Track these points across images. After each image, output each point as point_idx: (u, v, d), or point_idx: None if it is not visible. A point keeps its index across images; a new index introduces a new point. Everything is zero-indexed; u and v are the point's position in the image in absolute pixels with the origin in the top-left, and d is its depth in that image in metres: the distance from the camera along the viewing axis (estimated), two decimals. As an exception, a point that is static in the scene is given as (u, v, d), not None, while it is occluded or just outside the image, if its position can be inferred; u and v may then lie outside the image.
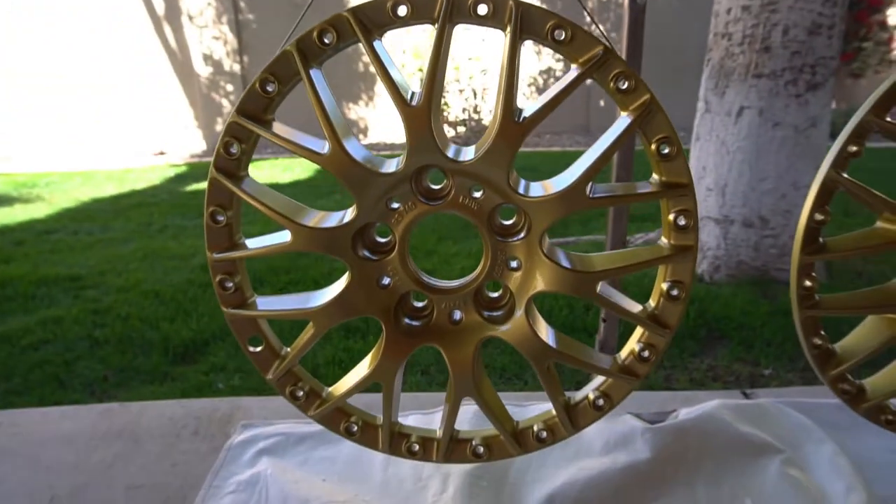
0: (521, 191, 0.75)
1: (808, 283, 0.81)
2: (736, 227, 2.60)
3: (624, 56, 1.23)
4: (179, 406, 1.50)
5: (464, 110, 7.85)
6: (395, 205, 0.78)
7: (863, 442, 1.28)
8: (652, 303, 0.81)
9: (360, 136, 8.13)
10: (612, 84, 0.72)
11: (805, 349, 0.85)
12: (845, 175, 0.77)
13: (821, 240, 0.80)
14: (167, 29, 7.35)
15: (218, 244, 0.79)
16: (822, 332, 0.85)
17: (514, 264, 0.79)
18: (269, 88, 0.73)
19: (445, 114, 7.83)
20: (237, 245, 0.80)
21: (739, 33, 2.59)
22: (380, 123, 8.11)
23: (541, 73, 8.09)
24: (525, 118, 0.72)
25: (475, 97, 7.80)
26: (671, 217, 0.76)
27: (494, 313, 0.81)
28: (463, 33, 7.60)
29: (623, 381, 0.84)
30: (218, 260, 0.79)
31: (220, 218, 0.78)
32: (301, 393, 0.86)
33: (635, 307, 0.81)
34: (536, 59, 7.99)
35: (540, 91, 8.15)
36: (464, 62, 7.67)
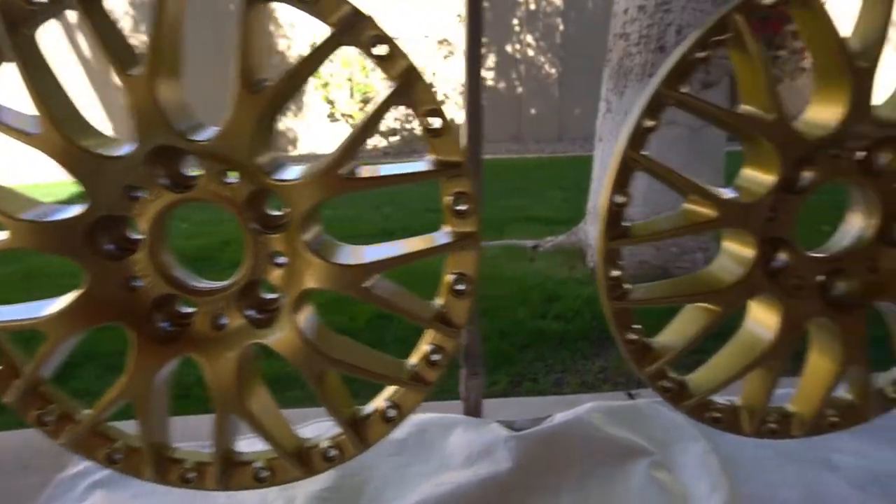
0: (276, 175, 0.66)
1: (614, 272, 0.75)
2: (637, 227, 2.58)
3: (465, 33, 1.16)
4: (10, 437, 1.35)
5: (395, 119, 7.77)
6: (139, 194, 0.67)
7: (735, 438, 1.25)
8: (440, 300, 0.73)
9: (289, 148, 7.94)
10: (369, 49, 0.63)
11: (619, 344, 0.79)
12: (644, 153, 0.71)
13: (625, 223, 0.74)
14: (80, 38, 7.02)
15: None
16: (636, 326, 0.78)
17: (280, 260, 0.69)
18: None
19: (377, 123, 7.72)
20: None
21: (636, 33, 2.59)
22: (310, 134, 7.94)
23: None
24: (266, 87, 0.62)
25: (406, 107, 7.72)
26: (448, 200, 0.67)
27: (259, 316, 0.71)
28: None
29: (413, 389, 0.75)
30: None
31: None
32: (50, 417, 0.74)
33: (422, 306, 0.72)
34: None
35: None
36: (393, 71, 7.60)
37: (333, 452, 0.76)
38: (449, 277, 0.71)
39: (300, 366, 0.70)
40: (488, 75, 7.99)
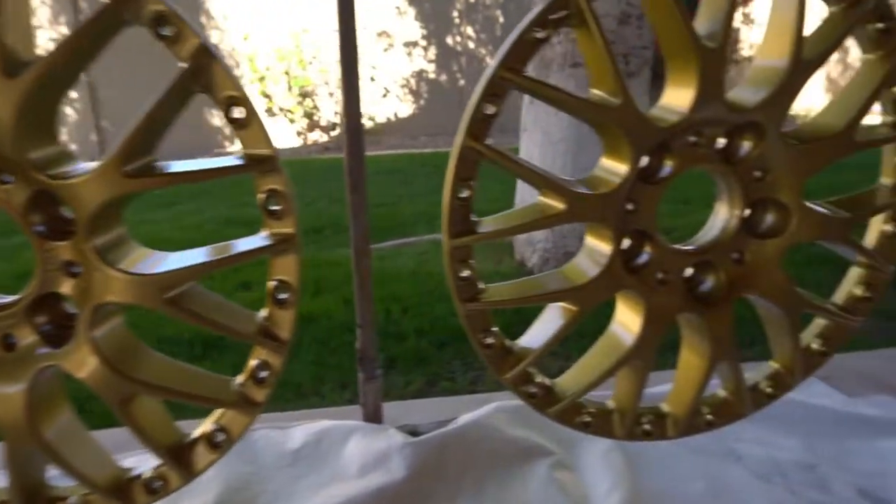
0: (56, 172, 0.57)
1: (464, 272, 0.69)
2: (562, 219, 2.55)
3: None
4: None
5: (335, 114, 7.61)
6: None
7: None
8: (263, 311, 0.65)
9: (226, 145, 7.70)
10: (154, 28, 0.55)
11: (476, 349, 0.73)
12: (489, 143, 0.65)
13: (473, 218, 0.68)
14: (-6, 29, 6.63)
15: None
16: (494, 328, 0.72)
17: (74, 269, 0.60)
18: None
19: (316, 118, 7.57)
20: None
21: (555, 23, 2.55)
22: (247, 129, 7.69)
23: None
24: (28, 69, 0.53)
25: (346, 100, 7.57)
26: (261, 198, 0.60)
27: (54, 332, 0.62)
28: (335, 37, 7.35)
29: (241, 411, 0.67)
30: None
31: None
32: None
33: (243, 320, 0.64)
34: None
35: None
36: (332, 65, 7.45)
37: (157, 484, 0.68)
38: (270, 285, 0.63)
39: (100, 390, 0.62)
40: (429, 68, 7.91)
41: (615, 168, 0.69)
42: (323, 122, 7.63)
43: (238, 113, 0.56)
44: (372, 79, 7.66)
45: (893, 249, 0.80)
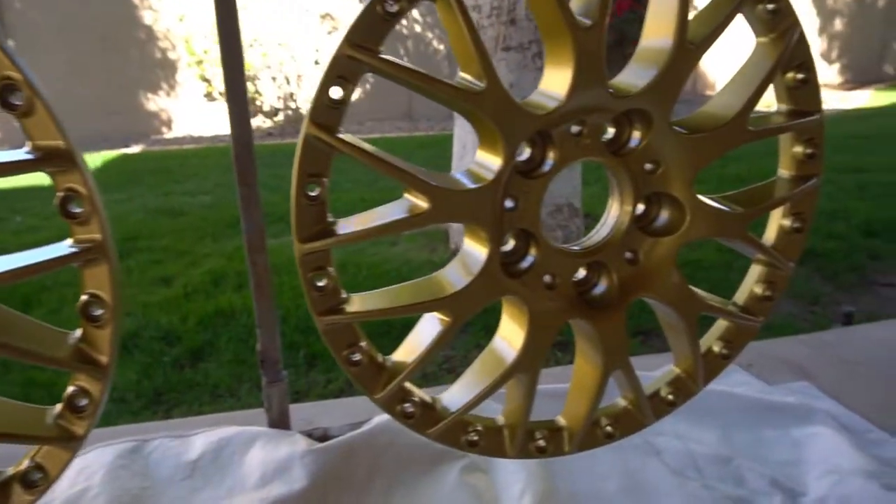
0: None
1: (321, 281, 0.61)
2: (496, 207, 2.50)
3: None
4: None
5: (279, 98, 7.38)
6: None
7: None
8: (77, 331, 0.56)
9: (164, 130, 7.39)
10: None
11: (342, 367, 0.66)
12: (342, 133, 0.57)
13: (329, 218, 0.60)
14: None
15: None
16: (363, 347, 0.65)
17: None
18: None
19: (259, 103, 7.32)
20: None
21: (487, 5, 2.48)
22: (185, 115, 7.41)
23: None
24: None
25: (289, 84, 7.36)
26: (59, 198, 0.50)
27: None
28: (276, 19, 7.11)
29: (58, 446, 0.58)
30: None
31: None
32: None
33: (51, 342, 0.55)
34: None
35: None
36: (273, 48, 7.21)
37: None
38: (82, 300, 0.54)
39: None
40: (375, 51, 7.74)
41: (489, 162, 0.61)
42: (265, 108, 7.39)
43: (17, 98, 0.46)
44: (316, 62, 7.44)
45: (793, 245, 0.75)
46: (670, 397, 0.79)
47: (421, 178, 0.58)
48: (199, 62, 7.20)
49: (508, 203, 0.64)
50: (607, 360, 0.70)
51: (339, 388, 1.74)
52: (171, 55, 7.19)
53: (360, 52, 0.54)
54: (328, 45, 7.42)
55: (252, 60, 7.13)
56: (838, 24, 10.07)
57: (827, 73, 10.25)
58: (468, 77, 0.58)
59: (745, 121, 0.66)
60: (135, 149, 6.44)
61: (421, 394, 0.71)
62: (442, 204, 0.59)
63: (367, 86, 7.82)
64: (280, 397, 1.26)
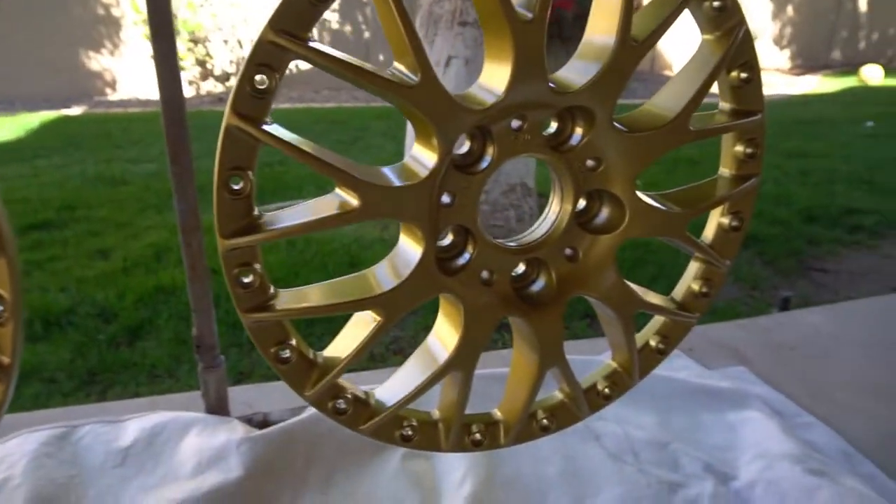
0: None
1: (248, 277, 0.58)
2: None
3: None
4: None
5: (231, 62, 7.12)
6: None
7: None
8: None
9: (108, 91, 7.06)
10: None
11: (270, 364, 0.63)
12: (268, 124, 0.53)
13: (256, 212, 0.57)
14: None
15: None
16: (292, 344, 0.62)
17: None
18: None
19: (209, 66, 7.05)
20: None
21: (445, -23, 2.42)
22: (130, 76, 7.09)
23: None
24: None
25: (241, 48, 7.10)
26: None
27: None
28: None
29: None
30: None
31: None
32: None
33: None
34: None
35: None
36: (223, 9, 6.92)
37: None
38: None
39: None
40: (332, 18, 7.53)
41: (424, 157, 0.59)
42: (217, 72, 7.13)
43: None
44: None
45: (731, 243, 0.76)
46: (606, 391, 0.79)
47: (351, 174, 0.55)
48: (146, 21, 6.87)
49: (445, 198, 0.62)
50: (543, 356, 0.70)
51: (283, 369, 1.71)
52: (115, 12, 6.83)
53: (284, 38, 0.51)
54: (283, 9, 7.16)
55: (203, 21, 6.84)
56: (790, 11, 10.29)
57: (778, 57, 10.50)
58: (402, 68, 0.55)
59: (687, 121, 0.65)
60: (76, 110, 6.13)
61: (354, 389, 0.69)
62: (373, 201, 0.56)
63: (324, 52, 7.61)
64: (217, 383, 1.23)
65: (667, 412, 1.40)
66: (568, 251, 0.70)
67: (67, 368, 1.65)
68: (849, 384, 1.55)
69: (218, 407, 1.25)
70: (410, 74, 0.54)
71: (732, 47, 0.65)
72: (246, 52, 7.16)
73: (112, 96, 7.00)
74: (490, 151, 0.62)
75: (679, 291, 0.79)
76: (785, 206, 2.95)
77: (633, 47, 0.60)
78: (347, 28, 7.61)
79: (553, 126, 0.65)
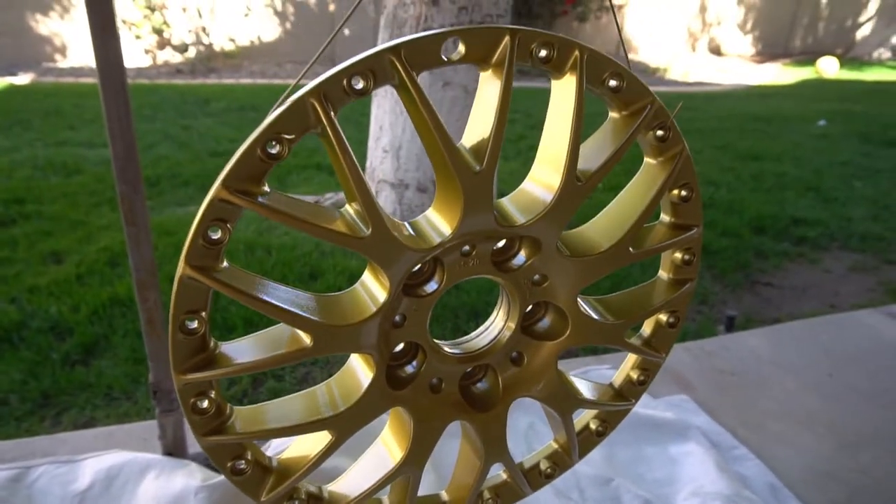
0: None
1: (203, 404, 0.60)
2: (410, 191, 2.49)
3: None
4: None
5: (189, 31, 6.88)
6: None
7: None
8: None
9: (57, 58, 6.76)
10: None
11: (227, 477, 0.65)
12: (221, 276, 0.54)
13: (212, 344, 0.58)
14: None
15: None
16: (248, 456, 0.65)
17: None
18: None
19: (167, 35, 6.80)
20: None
21: (410, -19, 2.38)
22: (81, 41, 6.78)
23: None
24: None
25: (200, 17, 6.86)
26: None
27: None
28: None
29: None
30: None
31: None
32: None
33: None
34: None
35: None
36: (183, -25, 6.65)
37: None
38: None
39: None
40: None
41: (375, 290, 0.61)
42: (175, 41, 6.88)
43: None
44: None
45: (667, 338, 0.80)
46: (548, 471, 0.84)
47: (303, 317, 0.57)
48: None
49: (396, 318, 0.64)
50: (488, 454, 0.74)
51: (241, 391, 1.72)
52: (65, -26, 6.50)
53: (237, 196, 0.52)
54: None
55: (160, -12, 6.57)
56: (755, -3, 10.40)
57: (741, 43, 10.65)
58: (352, 212, 0.57)
59: (627, 245, 0.68)
60: (23, 78, 5.86)
61: (308, 487, 0.72)
62: (325, 339, 0.58)
63: (288, 24, 7.42)
64: (174, 426, 1.24)
65: (613, 445, 1.48)
66: (514, 354, 0.73)
67: (20, 390, 1.63)
68: (782, 413, 1.65)
69: (175, 448, 1.26)
70: (360, 224, 0.56)
71: (674, 173, 0.69)
72: (206, 22, 6.92)
73: (62, 63, 6.70)
74: (439, 275, 0.64)
75: (618, 379, 0.83)
76: (737, 214, 3.04)
77: (578, 186, 0.62)
78: (313, 1, 7.41)
79: (502, 242, 0.68)
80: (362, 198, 0.55)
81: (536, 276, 0.69)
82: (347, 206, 0.58)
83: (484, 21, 2.40)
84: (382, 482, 0.70)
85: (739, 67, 9.36)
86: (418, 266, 0.65)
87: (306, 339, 0.58)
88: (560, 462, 0.85)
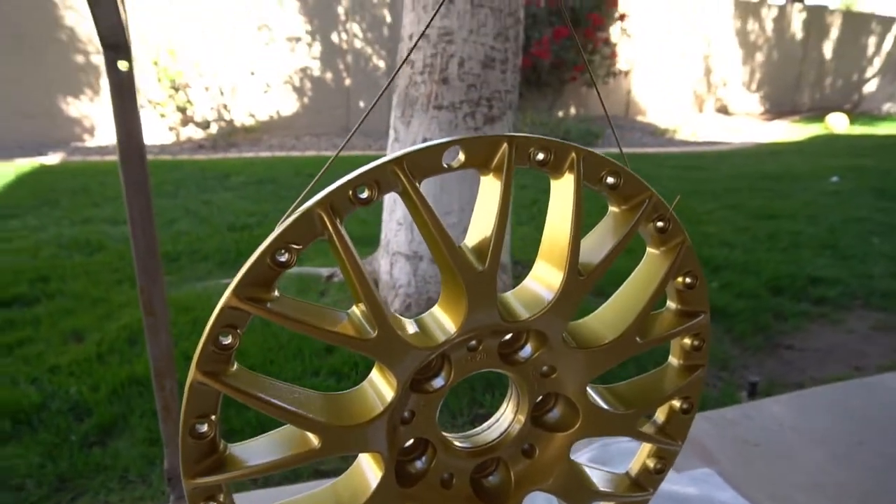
0: None
1: (207, 480, 0.60)
2: (425, 263, 2.51)
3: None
4: None
5: (211, 109, 7.17)
6: None
7: None
8: None
9: (87, 138, 7.05)
10: None
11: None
12: (232, 381, 0.56)
13: (221, 446, 0.59)
14: None
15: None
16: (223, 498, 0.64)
17: None
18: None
19: (190, 112, 7.09)
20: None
21: (420, 61, 2.49)
22: (109, 123, 7.06)
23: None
24: None
25: (222, 95, 7.16)
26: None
27: None
28: (210, 28, 6.85)
29: None
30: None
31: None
32: None
33: None
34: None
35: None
36: (205, 57, 6.99)
37: None
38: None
39: None
40: (314, 65, 7.64)
41: (382, 387, 0.62)
42: (197, 118, 7.16)
43: None
44: (252, 73, 7.27)
45: (681, 425, 0.79)
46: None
47: (309, 418, 0.58)
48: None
49: (404, 415, 0.65)
50: (500, 551, 0.72)
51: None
52: (95, 59, 6.85)
53: (247, 304, 0.54)
54: (265, 56, 7.26)
55: (183, 69, 6.89)
56: (759, 57, 10.64)
57: (749, 101, 10.82)
58: (358, 313, 0.59)
59: (634, 336, 0.69)
60: (53, 158, 6.10)
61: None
62: (332, 440, 0.59)
63: (305, 100, 7.70)
64: (188, 512, 1.23)
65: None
66: (525, 446, 0.73)
67: (37, 475, 1.63)
68: (811, 486, 1.59)
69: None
70: (366, 325, 0.58)
71: (677, 263, 0.70)
72: (227, 99, 7.22)
73: (90, 142, 6.98)
74: (446, 371, 0.65)
75: (634, 468, 0.82)
76: (754, 275, 3.02)
77: (580, 281, 0.64)
78: (328, 75, 7.71)
79: (509, 335, 0.69)
80: (368, 300, 0.56)
81: (544, 368, 0.69)
82: (354, 308, 0.60)
83: (493, 97, 2.48)
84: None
85: (748, 126, 9.48)
86: (425, 363, 0.66)
87: (315, 440, 0.59)
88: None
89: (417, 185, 0.58)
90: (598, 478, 0.78)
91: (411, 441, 0.69)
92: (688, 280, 0.73)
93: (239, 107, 7.31)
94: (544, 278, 0.65)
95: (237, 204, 4.29)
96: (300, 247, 0.55)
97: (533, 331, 0.66)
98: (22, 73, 6.49)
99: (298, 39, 7.42)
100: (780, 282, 2.96)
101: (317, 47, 7.54)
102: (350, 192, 0.55)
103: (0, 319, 2.46)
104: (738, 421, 1.85)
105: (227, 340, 0.55)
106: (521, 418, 0.71)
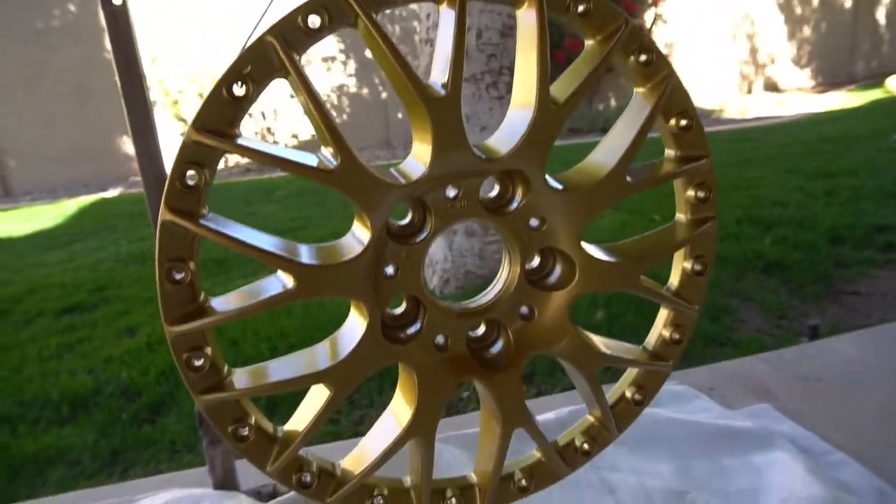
0: None
1: (198, 361, 0.60)
2: (459, 236, 2.49)
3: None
4: None
5: (256, 133, 7.41)
6: None
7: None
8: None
9: (143, 171, 7.36)
10: None
11: (229, 443, 0.64)
12: (205, 221, 0.56)
13: (202, 297, 0.59)
14: None
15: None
16: (251, 421, 0.63)
17: None
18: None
19: (237, 139, 7.34)
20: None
21: (439, 38, 2.50)
22: (163, 156, 7.41)
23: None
24: None
25: (265, 119, 7.40)
26: None
27: None
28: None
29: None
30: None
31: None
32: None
33: None
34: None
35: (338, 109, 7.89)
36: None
37: None
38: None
39: None
40: (350, 82, 7.81)
41: (360, 233, 0.61)
42: (244, 143, 7.40)
43: None
44: (291, 96, 7.49)
45: (697, 288, 0.75)
46: (585, 447, 0.78)
47: (284, 257, 0.57)
48: (175, 102, 7.23)
49: (389, 270, 0.63)
50: (506, 418, 0.69)
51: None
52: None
53: (209, 137, 0.54)
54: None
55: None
56: (806, 30, 10.22)
57: (800, 76, 10.39)
58: (327, 154, 0.58)
59: (623, 174, 0.65)
60: (112, 192, 6.43)
61: (320, 461, 0.69)
62: (309, 281, 0.58)
63: (344, 116, 7.87)
64: (223, 457, 1.24)
65: (685, 459, 1.35)
66: (523, 310, 0.70)
67: (91, 450, 1.69)
68: (881, 416, 1.47)
69: (225, 481, 1.26)
70: (331, 159, 0.57)
71: (663, 98, 0.66)
72: (270, 122, 7.46)
73: (147, 176, 7.32)
74: (429, 221, 0.63)
75: (651, 340, 0.77)
76: (809, 229, 2.86)
77: (553, 110, 0.61)
78: (365, 91, 7.87)
79: (496, 190, 0.67)
80: (330, 134, 0.56)
81: (534, 222, 0.67)
82: (322, 149, 0.59)
83: (513, 66, 2.46)
84: (391, 448, 0.66)
85: (800, 100, 9.09)
86: (409, 217, 0.65)
87: (290, 282, 0.58)
88: (598, 436, 0.78)
89: (373, 14, 0.57)
90: (611, 347, 0.74)
91: (404, 307, 0.67)
92: (682, 122, 0.69)
93: (281, 129, 7.53)
94: (518, 116, 0.63)
95: (280, 213, 4.40)
96: (257, 82, 0.55)
97: (514, 171, 0.63)
98: (81, 119, 6.91)
99: (333, 59, 7.61)
100: (840, 232, 2.79)
101: (351, 65, 7.71)
102: (300, 20, 0.55)
103: (63, 324, 2.59)
104: (797, 360, 1.74)
105: (194, 179, 0.55)
106: (515, 277, 0.68)
